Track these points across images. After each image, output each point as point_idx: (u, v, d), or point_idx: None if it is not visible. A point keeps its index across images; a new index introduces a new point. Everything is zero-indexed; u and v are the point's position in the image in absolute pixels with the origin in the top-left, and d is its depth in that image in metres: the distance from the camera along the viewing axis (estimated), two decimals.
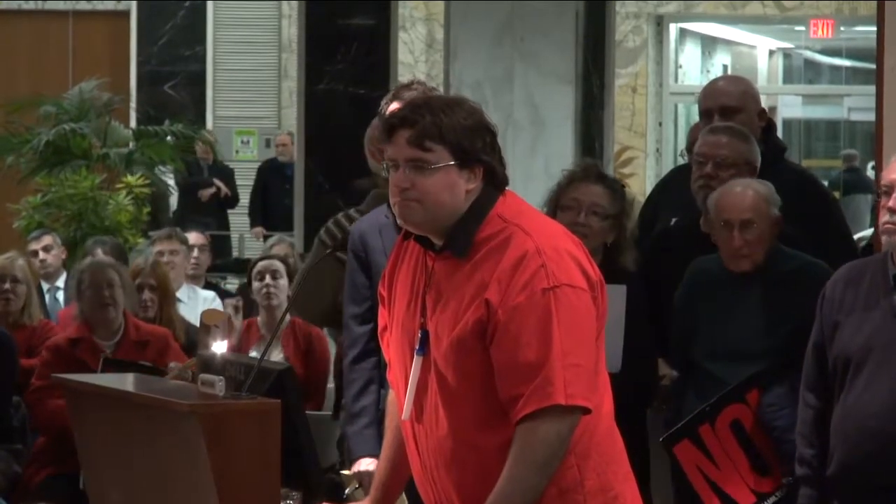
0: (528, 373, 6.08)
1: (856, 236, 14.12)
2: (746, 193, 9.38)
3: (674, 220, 11.04)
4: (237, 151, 20.56)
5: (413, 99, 6.87)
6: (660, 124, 21.21)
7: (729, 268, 9.54)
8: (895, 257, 7.90)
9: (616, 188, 10.21)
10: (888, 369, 7.88)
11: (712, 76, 18.76)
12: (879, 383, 8.01)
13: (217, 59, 21.27)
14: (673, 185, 11.78)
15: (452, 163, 6.19)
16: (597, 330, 6.30)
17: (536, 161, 9.89)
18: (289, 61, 20.72)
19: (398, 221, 6.37)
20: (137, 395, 7.22)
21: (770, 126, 10.92)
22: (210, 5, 21.06)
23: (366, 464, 7.74)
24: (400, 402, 6.56)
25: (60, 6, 21.93)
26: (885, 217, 7.97)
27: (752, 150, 10.15)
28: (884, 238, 7.55)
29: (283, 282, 12.69)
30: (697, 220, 10.16)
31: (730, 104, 10.42)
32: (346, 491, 7.87)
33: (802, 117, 22.93)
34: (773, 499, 8.83)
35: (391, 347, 6.60)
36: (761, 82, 23.84)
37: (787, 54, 22.90)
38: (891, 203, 6.87)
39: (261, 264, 13.43)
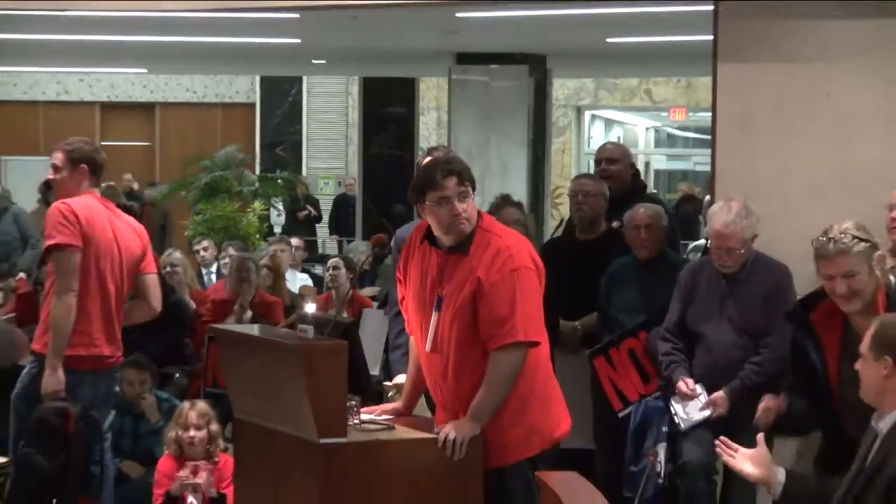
0: (501, 321, 6.43)
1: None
2: (649, 210, 9.13)
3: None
4: (321, 189, 20.54)
5: (447, 158, 7.25)
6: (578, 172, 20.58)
7: (637, 256, 9.25)
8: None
9: (521, 209, 10.07)
10: (717, 328, 7.80)
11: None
12: (715, 335, 7.77)
13: (308, 132, 21.12)
14: None
15: (473, 194, 6.58)
16: (538, 298, 6.66)
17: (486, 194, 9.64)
18: (352, 133, 20.41)
19: (441, 234, 6.65)
20: (259, 337, 7.46)
21: (636, 172, 10.82)
22: (304, 99, 20.84)
23: (400, 378, 7.57)
24: (418, 342, 6.94)
25: (215, 99, 21.40)
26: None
27: (603, 186, 10.12)
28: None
29: (342, 271, 12.48)
30: (570, 233, 10.35)
31: (612, 157, 10.31)
32: (388, 396, 7.86)
33: (666, 169, 22.98)
34: (650, 397, 8.63)
35: (409, 309, 7.01)
36: (641, 147, 24.27)
37: (656, 129, 22.97)
38: None
39: (330, 261, 13.40)
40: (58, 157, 8.30)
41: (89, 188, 8.10)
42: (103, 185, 8.70)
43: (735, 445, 5.74)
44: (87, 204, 7.97)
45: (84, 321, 7.81)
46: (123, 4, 9.49)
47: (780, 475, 5.50)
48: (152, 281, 8.44)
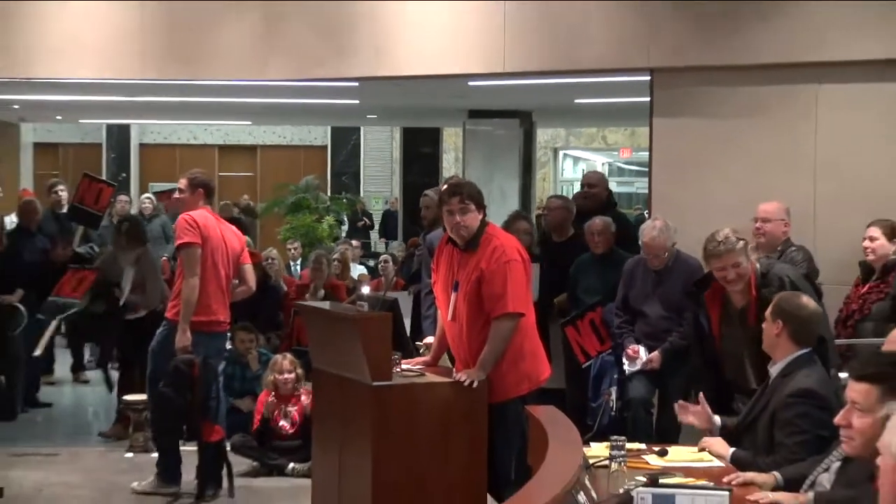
0: (498, 298, 6.40)
1: None
2: (602, 220, 8.88)
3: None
4: (373, 206, 20.33)
5: (456, 182, 7.13)
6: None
7: (594, 253, 9.01)
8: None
9: (529, 221, 9.95)
10: (651, 307, 7.76)
11: (578, 175, 18.67)
12: (650, 311, 7.82)
13: (364, 165, 20.90)
14: None
15: (475, 209, 6.42)
16: (527, 282, 6.61)
17: (501, 212, 9.46)
18: (395, 167, 20.22)
19: (452, 237, 6.64)
20: (330, 311, 7.49)
21: (610, 193, 10.34)
22: (361, 142, 20.69)
23: (429, 339, 7.46)
24: (442, 313, 6.89)
25: (299, 143, 21.27)
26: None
27: (568, 203, 10.09)
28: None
29: (389, 264, 12.42)
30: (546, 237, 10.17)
31: (591, 182, 9.85)
32: (420, 352, 7.52)
33: (616, 192, 22.72)
34: (605, 354, 8.50)
35: (437, 290, 6.96)
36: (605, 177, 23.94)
37: (609, 164, 22.72)
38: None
39: (381, 257, 13.40)
40: (183, 183, 8.46)
41: (204, 204, 8.22)
42: (221, 202, 8.82)
43: (687, 405, 5.68)
44: (204, 215, 8.08)
45: (204, 296, 7.90)
46: (235, 74, 9.48)
47: (717, 420, 5.42)
48: (249, 269, 8.53)
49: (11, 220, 11.61)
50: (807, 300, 5.41)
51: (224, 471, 8.12)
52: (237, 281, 8.45)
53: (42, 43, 9.21)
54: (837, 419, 3.87)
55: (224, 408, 8.52)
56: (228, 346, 10.05)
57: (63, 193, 12.77)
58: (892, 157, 8.12)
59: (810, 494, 4.45)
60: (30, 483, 8.48)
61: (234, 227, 8.83)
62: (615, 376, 8.32)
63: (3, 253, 10.73)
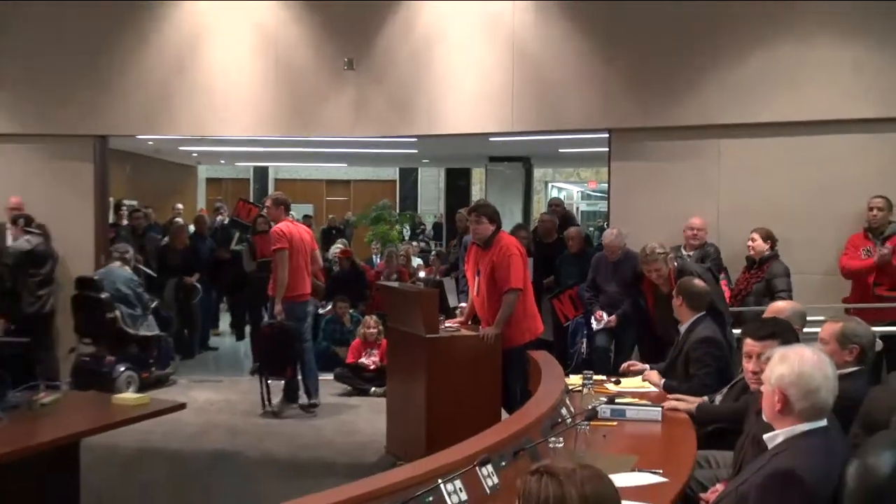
0: (505, 279, 6.33)
1: None
2: (576, 230, 8.92)
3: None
4: (427, 219, 20.03)
5: (476, 204, 6.98)
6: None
7: (571, 250, 8.86)
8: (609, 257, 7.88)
9: (527, 229, 10.03)
10: (610, 285, 7.68)
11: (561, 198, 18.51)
12: (609, 289, 7.71)
13: (421, 193, 20.62)
14: None
15: (487, 221, 6.39)
16: (524, 268, 6.53)
17: (509, 224, 9.28)
18: (440, 194, 20.03)
19: (475, 239, 6.56)
20: (398, 287, 7.62)
21: (566, 210, 10.40)
22: (419, 177, 20.57)
23: (463, 305, 7.39)
24: (471, 290, 6.78)
25: (377, 178, 21.17)
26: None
27: (553, 217, 9.91)
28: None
29: (438, 258, 12.32)
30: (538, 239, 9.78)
31: (556, 203, 9.85)
32: (457, 314, 7.38)
33: (587, 210, 22.19)
34: (578, 317, 8.33)
35: (468, 274, 6.93)
36: (575, 200, 23.29)
37: (581, 192, 22.23)
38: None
39: (433, 252, 13.21)
40: (269, 201, 8.58)
41: (285, 216, 8.15)
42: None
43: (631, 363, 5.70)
44: (287, 224, 8.03)
45: (292, 279, 7.83)
46: (336, 133, 9.45)
47: (647, 366, 5.46)
48: (317, 254, 8.40)
49: (191, 229, 11.66)
50: (697, 282, 5.44)
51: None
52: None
53: (211, 112, 9.18)
54: (750, 367, 3.80)
55: (312, 354, 8.34)
56: (328, 309, 10.16)
57: (224, 212, 12.92)
58: (767, 188, 8.01)
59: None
60: (203, 399, 8.52)
61: (307, 228, 8.77)
62: (585, 332, 8.17)
63: (185, 249, 10.83)
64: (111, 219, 10.65)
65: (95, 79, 9.14)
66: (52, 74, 9.15)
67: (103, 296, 8.63)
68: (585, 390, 4.76)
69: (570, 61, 8.56)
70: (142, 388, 8.28)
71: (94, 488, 5.12)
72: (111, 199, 10.69)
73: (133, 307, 8.87)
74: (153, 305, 9.22)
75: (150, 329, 9.03)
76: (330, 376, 9.14)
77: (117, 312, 8.69)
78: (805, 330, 4.66)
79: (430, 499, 2.85)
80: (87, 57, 9.11)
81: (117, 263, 8.95)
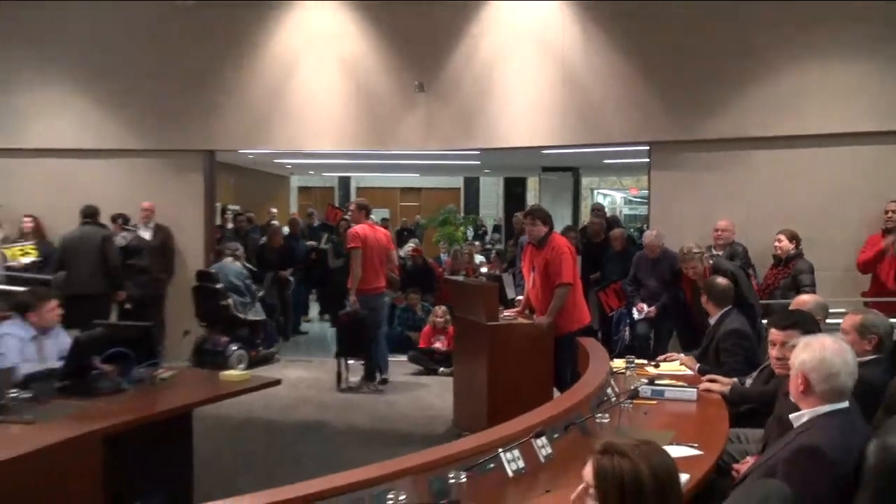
0: (556, 274, 6.24)
1: None
2: (620, 232, 9.01)
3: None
4: (488, 222, 19.79)
5: (531, 208, 6.83)
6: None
7: (615, 249, 8.77)
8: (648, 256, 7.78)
9: (576, 231, 9.82)
10: (650, 280, 7.63)
11: (605, 204, 17.95)
12: (649, 283, 7.64)
13: (482, 199, 20.36)
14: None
15: (541, 223, 6.30)
16: (574, 264, 6.41)
17: (559, 226, 9.16)
18: (500, 201, 19.78)
19: (530, 239, 6.53)
20: (463, 281, 7.55)
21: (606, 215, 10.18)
22: (480, 186, 20.41)
23: (520, 298, 7.16)
24: (527, 283, 6.68)
25: (444, 185, 20.98)
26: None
27: (600, 219, 9.75)
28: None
29: (497, 255, 12.22)
30: (588, 239, 9.56)
31: (598, 208, 9.71)
32: (514, 304, 7.24)
33: (628, 214, 21.44)
34: (622, 308, 8.20)
35: (524, 270, 6.81)
36: (619, 205, 22.62)
37: (624, 198, 21.64)
38: None
39: (494, 250, 13.06)
40: (352, 206, 8.61)
41: (365, 219, 8.16)
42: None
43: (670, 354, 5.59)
44: (363, 226, 8.03)
45: (366, 274, 7.85)
46: (409, 147, 9.45)
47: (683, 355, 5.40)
48: (393, 254, 8.46)
49: (285, 230, 11.80)
50: (720, 280, 5.33)
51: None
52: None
53: (303, 130, 9.22)
54: (775, 354, 3.72)
55: (384, 339, 8.41)
56: (398, 299, 10.21)
57: (315, 216, 13.06)
58: (792, 194, 7.89)
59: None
60: (295, 377, 8.59)
61: (385, 230, 8.80)
62: (627, 321, 8.03)
63: (280, 248, 10.96)
64: (218, 221, 10.81)
65: (205, 103, 9.27)
66: (169, 99, 9.30)
67: (218, 286, 8.89)
68: (628, 373, 4.76)
69: (614, 82, 8.46)
70: (250, 365, 8.55)
71: (204, 452, 5.19)
72: (218, 205, 10.83)
73: (243, 296, 9.10)
74: (260, 294, 9.48)
75: (257, 314, 9.25)
76: (404, 358, 9.18)
77: (230, 300, 8.93)
78: (827, 321, 4.55)
79: (492, 465, 2.87)
80: (199, 84, 9.26)
81: (230, 259, 9.19)
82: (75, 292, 7.73)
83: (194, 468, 4.91)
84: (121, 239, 8.73)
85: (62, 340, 4.95)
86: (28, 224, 8.92)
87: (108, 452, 3.78)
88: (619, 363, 4.94)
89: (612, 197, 23.48)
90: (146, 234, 9.00)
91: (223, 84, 9.25)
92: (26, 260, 8.49)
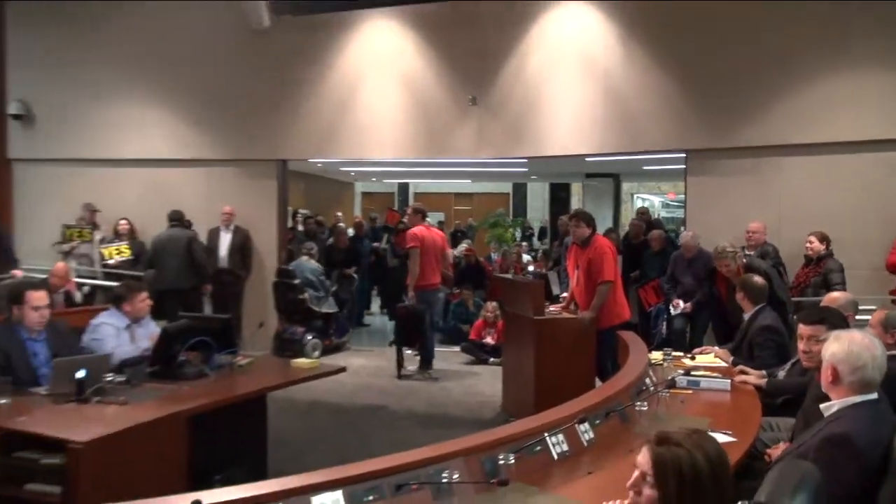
0: (598, 272, 6.19)
1: None
2: (658, 233, 8.78)
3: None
4: (535, 224, 19.54)
5: (575, 211, 6.91)
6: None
7: (653, 249, 8.60)
8: (685, 256, 7.64)
9: (617, 233, 9.79)
10: (686, 278, 7.54)
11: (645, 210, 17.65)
12: (685, 281, 7.50)
13: (529, 204, 20.16)
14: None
15: (584, 225, 6.24)
16: (615, 264, 6.40)
17: (602, 228, 9.05)
18: (545, 204, 19.64)
19: (574, 240, 6.47)
20: (512, 279, 7.47)
21: (651, 217, 10.04)
22: (528, 191, 20.17)
23: (565, 294, 7.19)
24: (572, 280, 6.61)
25: (495, 190, 20.64)
26: None
27: (640, 223, 9.55)
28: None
29: (544, 255, 12.03)
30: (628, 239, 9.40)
31: (643, 211, 9.51)
32: (560, 300, 7.33)
33: (666, 216, 20.80)
34: (660, 304, 7.98)
35: (569, 268, 6.74)
36: (657, 208, 22.02)
37: (661, 202, 21.15)
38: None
39: (540, 250, 12.84)
40: (410, 210, 8.60)
41: (422, 222, 8.16)
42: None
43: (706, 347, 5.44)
44: (420, 228, 8.04)
45: (423, 271, 7.86)
46: (462, 155, 9.39)
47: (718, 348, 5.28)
48: (448, 254, 8.47)
49: (350, 232, 11.90)
50: (756, 279, 5.18)
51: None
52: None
53: (366, 140, 9.24)
54: (802, 348, 3.63)
55: (433, 332, 8.43)
56: (452, 295, 10.17)
57: (378, 219, 13.14)
58: (822, 197, 7.69)
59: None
60: (358, 364, 8.61)
61: (440, 232, 8.77)
62: (665, 316, 7.87)
63: (346, 248, 11.03)
64: (289, 224, 10.90)
65: (279, 116, 9.36)
66: (247, 114, 9.41)
67: (296, 282, 9.07)
68: (665, 364, 4.68)
69: (652, 94, 8.34)
70: (324, 353, 8.74)
71: (277, 432, 5.22)
72: (290, 209, 10.93)
73: (318, 291, 9.27)
74: (333, 289, 9.66)
75: (330, 307, 9.41)
76: (457, 348, 9.18)
77: (306, 295, 9.10)
78: (857, 317, 4.44)
79: (538, 448, 2.86)
80: (274, 100, 9.35)
81: (305, 257, 9.36)
82: (167, 287, 8.09)
83: (268, 446, 4.95)
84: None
85: (151, 329, 5.03)
86: (123, 226, 9.13)
87: (193, 431, 3.85)
88: (657, 355, 4.86)
89: (650, 201, 23.14)
90: (227, 236, 9.15)
91: (295, 100, 9.33)
92: (121, 258, 8.69)
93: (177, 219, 8.71)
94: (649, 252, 8.88)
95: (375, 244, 11.70)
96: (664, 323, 8.01)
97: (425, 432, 6.11)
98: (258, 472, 4.69)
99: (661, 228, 9.52)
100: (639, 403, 3.53)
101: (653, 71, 8.33)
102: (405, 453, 2.60)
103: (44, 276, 7.08)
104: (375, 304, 12.73)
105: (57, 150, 9.72)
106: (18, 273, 7.65)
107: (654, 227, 9.53)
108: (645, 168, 13.88)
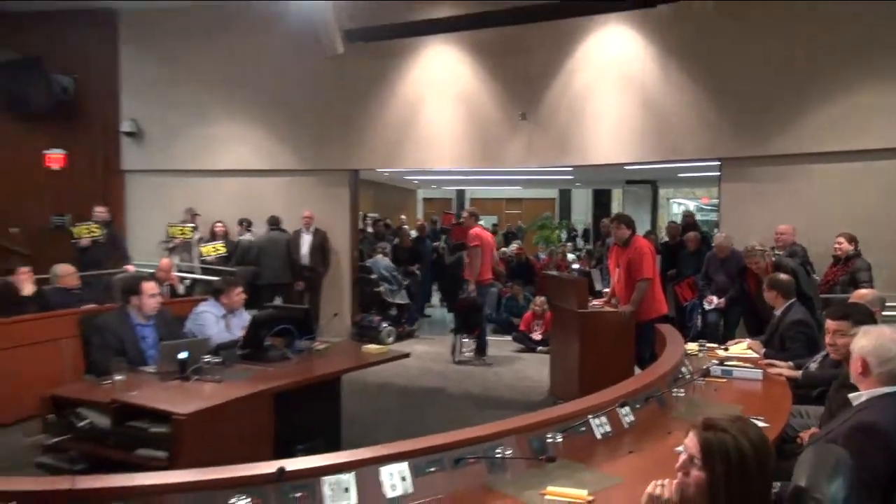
0: (638, 270, 6.05)
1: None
2: (694, 234, 8.58)
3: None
4: (578, 226, 19.28)
5: (617, 215, 6.62)
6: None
7: (689, 249, 8.46)
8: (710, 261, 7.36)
9: (655, 234, 9.55)
10: (719, 276, 7.28)
11: (678, 211, 17.06)
12: (719, 279, 7.28)
13: (573, 207, 19.93)
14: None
15: (625, 227, 6.13)
16: (653, 262, 6.22)
17: (641, 230, 8.95)
18: (588, 210, 19.34)
19: (615, 241, 6.35)
20: (558, 276, 7.42)
21: (695, 220, 9.70)
22: (571, 197, 19.87)
23: (606, 290, 6.94)
24: (612, 279, 6.46)
25: (541, 196, 20.18)
26: None
27: (678, 226, 9.40)
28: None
29: (587, 254, 11.76)
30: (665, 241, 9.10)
31: (688, 213, 9.22)
32: (602, 295, 7.19)
33: (701, 219, 20.27)
34: (694, 299, 7.78)
35: (611, 266, 6.57)
36: (693, 210, 21.41)
37: (697, 206, 20.54)
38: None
39: (584, 249, 12.56)
40: (465, 213, 8.45)
41: (476, 223, 8.08)
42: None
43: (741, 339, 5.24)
44: (480, 229, 8.00)
45: (482, 268, 7.79)
46: (513, 165, 9.34)
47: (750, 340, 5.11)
48: (495, 253, 8.38)
49: (413, 233, 11.94)
50: (783, 276, 4.98)
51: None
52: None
53: (428, 152, 9.26)
54: (828, 341, 3.48)
55: (485, 324, 8.37)
56: (504, 290, 10.08)
57: (438, 222, 13.16)
58: (850, 201, 7.44)
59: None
60: (420, 351, 8.61)
61: (491, 233, 8.71)
62: (699, 311, 7.68)
63: (410, 248, 11.08)
64: (360, 226, 11.04)
65: (350, 133, 9.43)
66: (324, 129, 9.50)
67: (373, 276, 9.34)
68: (700, 354, 4.56)
69: (688, 106, 8.17)
70: (397, 339, 8.95)
71: (350, 409, 5.24)
72: (360, 213, 11.08)
73: (391, 284, 9.47)
74: (405, 283, 9.82)
75: (402, 299, 9.58)
76: (509, 338, 9.13)
77: (382, 288, 9.33)
78: (884, 313, 4.27)
79: (583, 429, 2.83)
80: (346, 116, 9.41)
81: (380, 255, 9.64)
82: (267, 282, 8.56)
83: (342, 422, 4.98)
84: (246, 238, 9.23)
85: (244, 318, 5.09)
86: (219, 228, 9.36)
87: (277, 407, 3.89)
88: (692, 346, 4.74)
89: (685, 205, 22.64)
90: (307, 237, 9.30)
91: (365, 116, 9.40)
92: (217, 255, 8.89)
93: (275, 223, 9.06)
94: (685, 252, 8.69)
95: (436, 244, 11.73)
96: (699, 317, 7.82)
97: (479, 412, 6.07)
98: (333, 445, 4.71)
99: (696, 230, 9.32)
100: (676, 390, 3.45)
101: (688, 85, 8.16)
102: (463, 430, 2.59)
103: (151, 270, 7.30)
104: (435, 298, 12.77)
105: (162, 162, 9.99)
106: (131, 268, 8.01)
107: (690, 228, 9.34)
108: (680, 175, 13.64)
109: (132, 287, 4.60)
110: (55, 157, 9.77)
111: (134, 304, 4.57)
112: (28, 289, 6.33)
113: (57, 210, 9.76)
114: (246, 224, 9.49)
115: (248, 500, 2.11)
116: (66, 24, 9.79)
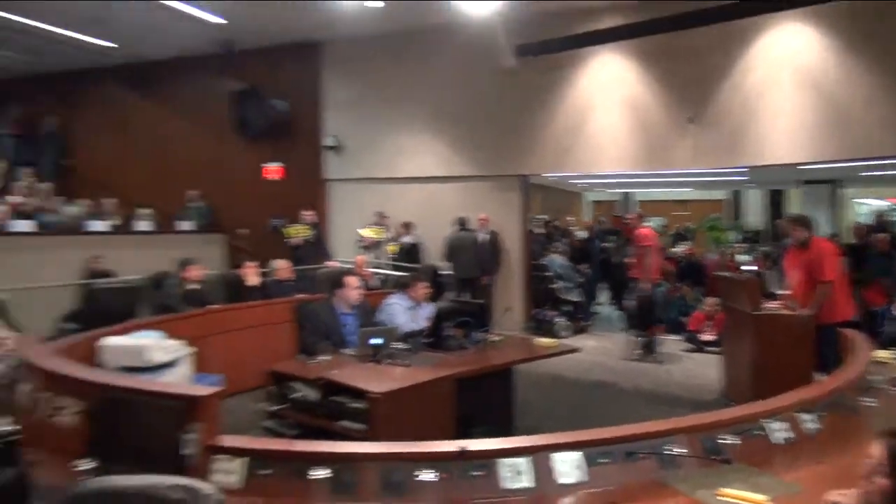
0: (819, 272, 5.49)
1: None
2: (883, 236, 7.61)
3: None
4: (751, 226, 17.89)
5: (792, 217, 6.27)
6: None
7: (879, 250, 7.49)
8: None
9: (839, 237, 8.50)
10: None
11: (861, 212, 14.77)
12: None
13: (747, 209, 18.42)
14: None
15: (803, 228, 5.60)
16: (837, 264, 5.67)
17: (820, 232, 8.12)
18: (763, 209, 17.81)
19: (793, 242, 5.75)
20: (729, 276, 6.75)
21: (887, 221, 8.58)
22: (743, 198, 18.36)
23: (782, 292, 6.13)
24: (790, 281, 5.78)
25: (711, 198, 18.64)
26: None
27: (865, 226, 8.52)
28: None
29: (765, 256, 10.68)
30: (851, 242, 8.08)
31: (880, 213, 8.09)
32: (777, 297, 6.57)
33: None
34: (884, 306, 6.98)
35: (788, 268, 5.82)
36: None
37: (879, 206, 17.69)
38: None
39: (760, 251, 11.30)
40: (632, 215, 7.99)
41: (642, 224, 7.65)
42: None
43: None
44: (650, 230, 7.66)
45: (653, 265, 7.38)
46: (680, 167, 8.85)
47: None
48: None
49: (582, 234, 11.73)
50: None
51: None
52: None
53: (595, 156, 9.07)
54: None
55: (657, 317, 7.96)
56: (673, 289, 9.54)
57: (605, 223, 12.77)
58: None
59: None
60: (590, 346, 8.32)
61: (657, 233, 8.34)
62: (886, 318, 6.87)
63: (579, 248, 10.83)
64: (530, 227, 11.07)
65: (521, 140, 9.47)
66: (496, 138, 9.61)
67: (548, 274, 9.41)
68: (891, 361, 3.94)
69: (869, 101, 7.28)
70: (573, 333, 8.92)
71: (522, 399, 5.24)
72: (530, 215, 11.12)
73: (567, 282, 9.49)
74: (580, 281, 9.82)
75: (577, 296, 9.54)
76: (678, 337, 8.70)
77: (557, 285, 9.37)
78: None
79: (758, 433, 2.60)
80: (517, 125, 9.47)
81: (556, 254, 9.71)
82: (462, 276, 8.95)
83: (515, 410, 4.99)
84: (409, 240, 9.43)
85: (429, 311, 5.26)
86: (403, 229, 9.89)
87: (458, 390, 3.99)
88: (884, 354, 4.14)
89: (869, 205, 20.20)
90: (483, 237, 9.48)
91: (535, 125, 9.39)
92: (392, 253, 9.41)
93: (463, 223, 9.43)
94: (873, 253, 7.77)
95: (604, 244, 11.42)
96: (886, 323, 6.95)
97: (650, 408, 5.83)
98: (505, 431, 4.76)
99: (885, 231, 8.26)
100: (866, 399, 3.08)
101: (868, 78, 7.30)
102: (635, 425, 2.48)
103: (349, 266, 7.78)
104: (603, 296, 12.41)
105: (357, 171, 10.62)
106: (333, 264, 8.59)
107: (880, 229, 8.31)
108: (862, 174, 12.09)
109: (337, 280, 4.97)
110: (273, 170, 10.78)
111: (339, 295, 4.92)
112: (253, 280, 6.88)
113: (273, 214, 10.64)
114: (407, 226, 9.88)
115: (435, 473, 2.19)
116: (280, 57, 10.57)
